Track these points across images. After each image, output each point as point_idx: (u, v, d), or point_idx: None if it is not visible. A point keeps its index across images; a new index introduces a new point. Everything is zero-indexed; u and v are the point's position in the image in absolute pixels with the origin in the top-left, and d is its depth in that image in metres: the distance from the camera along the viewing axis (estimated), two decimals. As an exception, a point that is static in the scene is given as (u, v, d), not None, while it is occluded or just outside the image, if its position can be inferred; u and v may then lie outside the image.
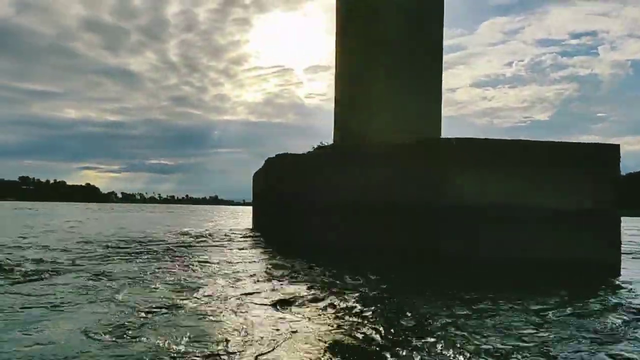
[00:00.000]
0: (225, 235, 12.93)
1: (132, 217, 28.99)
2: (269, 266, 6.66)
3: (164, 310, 3.82)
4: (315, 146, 14.80)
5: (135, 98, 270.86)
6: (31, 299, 4.21)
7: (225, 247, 9.76)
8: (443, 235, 6.40)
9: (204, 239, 11.68)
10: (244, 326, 3.42)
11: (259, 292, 4.72)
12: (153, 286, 4.92)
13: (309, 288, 4.94)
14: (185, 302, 4.18)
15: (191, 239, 11.50)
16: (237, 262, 7.06)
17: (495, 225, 6.36)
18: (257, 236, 12.15)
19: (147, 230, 14.48)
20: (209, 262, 6.98)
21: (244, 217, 32.90)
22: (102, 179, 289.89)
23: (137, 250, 8.38)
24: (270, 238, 10.72)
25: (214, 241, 11.01)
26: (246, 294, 4.60)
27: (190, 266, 6.48)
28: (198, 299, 4.33)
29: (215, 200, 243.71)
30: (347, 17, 13.32)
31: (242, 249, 9.51)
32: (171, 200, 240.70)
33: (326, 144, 14.65)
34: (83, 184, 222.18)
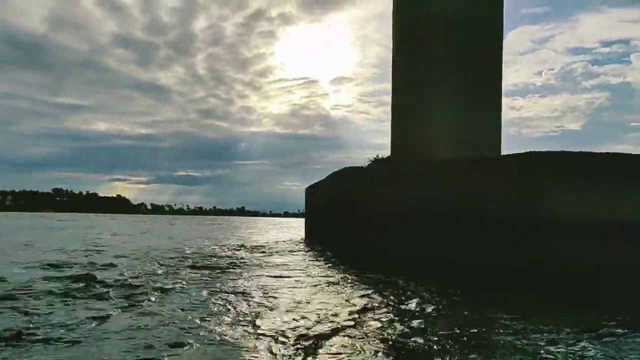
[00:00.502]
0: (289, 248, 12.98)
1: (182, 229, 29.37)
2: (358, 282, 6.63)
3: (307, 334, 3.82)
4: (372, 159, 14.83)
5: (164, 111, 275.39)
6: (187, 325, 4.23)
7: (300, 261, 9.77)
8: (546, 251, 6.27)
9: (272, 252, 11.73)
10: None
11: (372, 310, 4.71)
12: (272, 306, 4.94)
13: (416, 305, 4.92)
14: (319, 324, 4.17)
15: (261, 254, 11.53)
16: (326, 281, 7.06)
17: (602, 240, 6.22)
18: (320, 249, 12.16)
19: (209, 244, 14.62)
20: (299, 278, 7.01)
21: (284, 229, 33.02)
22: (131, 190, 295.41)
23: (221, 267, 8.45)
24: (335, 249, 10.71)
25: (284, 255, 11.05)
26: (359, 312, 4.60)
27: (284, 284, 6.52)
28: (320, 319, 4.33)
29: (242, 212, 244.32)
30: (405, 30, 13.30)
31: (315, 260, 9.54)
32: (199, 211, 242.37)
33: (382, 157, 14.66)
34: (113, 195, 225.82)
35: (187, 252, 11.30)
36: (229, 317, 4.35)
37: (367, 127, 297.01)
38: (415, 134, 12.32)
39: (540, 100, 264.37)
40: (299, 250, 11.99)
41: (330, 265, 8.88)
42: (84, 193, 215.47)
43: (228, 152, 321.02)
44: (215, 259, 9.69)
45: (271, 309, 4.73)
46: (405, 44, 13.21)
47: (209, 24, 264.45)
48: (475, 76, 12.62)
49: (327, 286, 6.26)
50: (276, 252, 11.71)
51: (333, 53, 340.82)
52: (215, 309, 4.72)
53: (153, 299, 5.22)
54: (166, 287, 5.98)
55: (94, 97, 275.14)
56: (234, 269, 8.05)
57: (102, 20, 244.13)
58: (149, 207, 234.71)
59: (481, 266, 6.82)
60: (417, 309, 4.80)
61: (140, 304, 4.95)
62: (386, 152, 14.60)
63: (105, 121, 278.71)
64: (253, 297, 5.39)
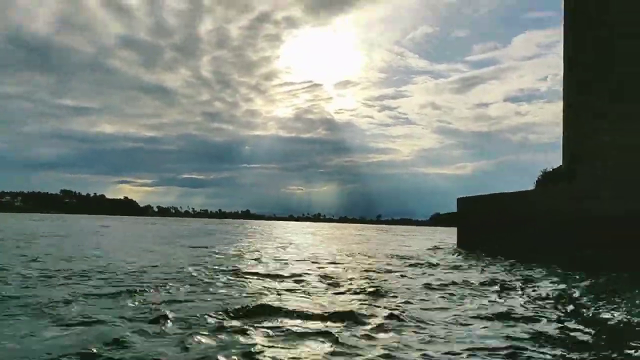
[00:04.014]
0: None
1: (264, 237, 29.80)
2: None
3: None
4: (540, 173, 15.43)
5: (170, 114, 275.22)
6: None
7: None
8: None
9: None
10: None
11: None
12: None
13: None
14: None
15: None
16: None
17: None
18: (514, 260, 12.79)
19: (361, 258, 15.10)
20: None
21: (374, 236, 33.05)
22: (137, 192, 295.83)
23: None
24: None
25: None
26: None
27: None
28: None
29: (247, 215, 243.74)
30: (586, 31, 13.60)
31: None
32: (204, 214, 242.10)
33: (550, 170, 15.29)
34: (119, 197, 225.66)
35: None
36: None
37: (371, 132, 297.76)
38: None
39: (546, 105, 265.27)
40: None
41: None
42: (92, 195, 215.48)
43: (233, 155, 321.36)
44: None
45: None
46: (587, 48, 13.30)
47: (215, 27, 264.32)
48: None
49: None
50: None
51: (338, 57, 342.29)
52: None
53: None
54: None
55: (100, 98, 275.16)
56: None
57: (107, 22, 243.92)
58: (156, 209, 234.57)
59: None
60: None
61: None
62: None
63: (112, 123, 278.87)
64: None
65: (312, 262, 11.51)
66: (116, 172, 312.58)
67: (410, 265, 11.29)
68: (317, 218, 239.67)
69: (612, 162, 12.26)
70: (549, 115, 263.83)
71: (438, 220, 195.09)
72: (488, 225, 14.02)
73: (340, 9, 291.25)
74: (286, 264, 10.98)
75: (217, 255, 12.80)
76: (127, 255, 12.12)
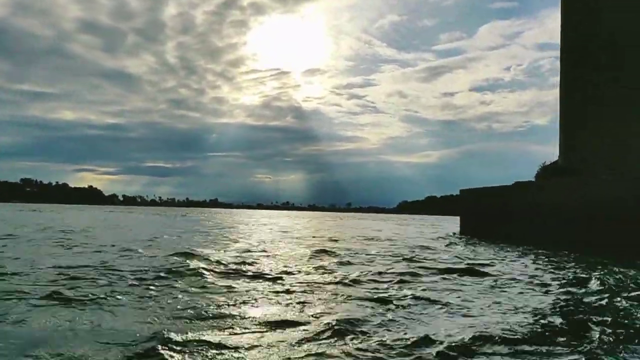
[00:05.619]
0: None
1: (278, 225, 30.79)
2: None
3: None
4: (540, 166, 17.76)
5: (133, 100, 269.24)
6: None
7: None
8: None
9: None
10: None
11: None
12: None
13: None
14: None
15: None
16: None
17: None
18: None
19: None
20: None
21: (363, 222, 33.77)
22: (99, 181, 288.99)
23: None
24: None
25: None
26: None
27: None
28: None
29: (215, 203, 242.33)
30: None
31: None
32: (171, 203, 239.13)
33: (548, 164, 17.62)
34: (82, 186, 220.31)
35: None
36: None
37: (338, 120, 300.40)
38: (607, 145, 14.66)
39: (510, 95, 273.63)
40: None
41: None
42: (53, 183, 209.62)
43: (199, 143, 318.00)
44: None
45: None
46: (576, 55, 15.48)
47: (179, 11, 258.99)
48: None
49: None
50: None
51: (305, 44, 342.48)
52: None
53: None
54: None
55: (59, 84, 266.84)
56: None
57: (66, 5, 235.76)
58: (121, 198, 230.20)
59: None
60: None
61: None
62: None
63: (72, 110, 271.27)
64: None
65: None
66: (77, 160, 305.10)
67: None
68: (286, 206, 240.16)
69: (606, 148, 14.28)
70: (512, 105, 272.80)
71: (404, 207, 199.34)
72: (499, 215, 16.12)
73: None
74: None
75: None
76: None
